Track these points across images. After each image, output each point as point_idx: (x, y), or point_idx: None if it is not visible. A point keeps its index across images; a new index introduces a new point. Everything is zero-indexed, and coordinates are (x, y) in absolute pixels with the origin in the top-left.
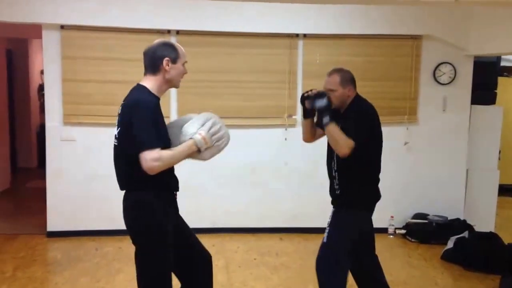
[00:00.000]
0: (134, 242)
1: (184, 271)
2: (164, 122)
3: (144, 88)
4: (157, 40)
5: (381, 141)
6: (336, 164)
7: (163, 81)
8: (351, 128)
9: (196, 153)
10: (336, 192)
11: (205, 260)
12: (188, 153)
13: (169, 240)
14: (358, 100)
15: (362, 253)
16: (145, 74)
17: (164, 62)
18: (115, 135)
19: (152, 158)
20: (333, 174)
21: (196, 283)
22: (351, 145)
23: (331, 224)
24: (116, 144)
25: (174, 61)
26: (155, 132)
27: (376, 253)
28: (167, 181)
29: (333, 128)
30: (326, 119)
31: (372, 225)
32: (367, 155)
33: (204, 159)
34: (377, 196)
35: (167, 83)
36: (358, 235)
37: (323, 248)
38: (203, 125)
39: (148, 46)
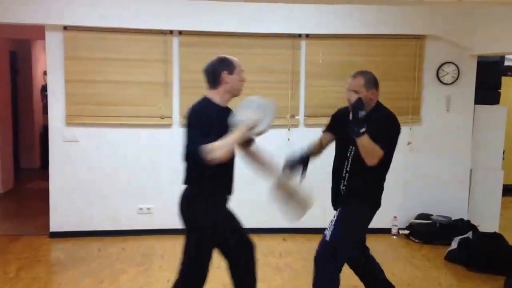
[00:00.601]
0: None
1: (232, 259)
2: (223, 124)
3: (206, 98)
4: (214, 57)
5: (394, 150)
6: (350, 166)
7: (225, 91)
8: (380, 135)
9: (249, 132)
10: (342, 193)
11: (250, 249)
12: (238, 136)
13: (209, 234)
14: (381, 106)
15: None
16: (208, 88)
17: (223, 75)
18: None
19: (206, 151)
20: (343, 175)
21: (241, 270)
22: (381, 155)
23: (336, 221)
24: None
25: (231, 72)
26: (207, 132)
27: (379, 253)
28: (221, 182)
29: (367, 139)
30: (362, 130)
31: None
32: (384, 160)
33: (260, 133)
34: (379, 202)
35: (229, 93)
36: (364, 229)
37: (326, 246)
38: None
39: (206, 64)
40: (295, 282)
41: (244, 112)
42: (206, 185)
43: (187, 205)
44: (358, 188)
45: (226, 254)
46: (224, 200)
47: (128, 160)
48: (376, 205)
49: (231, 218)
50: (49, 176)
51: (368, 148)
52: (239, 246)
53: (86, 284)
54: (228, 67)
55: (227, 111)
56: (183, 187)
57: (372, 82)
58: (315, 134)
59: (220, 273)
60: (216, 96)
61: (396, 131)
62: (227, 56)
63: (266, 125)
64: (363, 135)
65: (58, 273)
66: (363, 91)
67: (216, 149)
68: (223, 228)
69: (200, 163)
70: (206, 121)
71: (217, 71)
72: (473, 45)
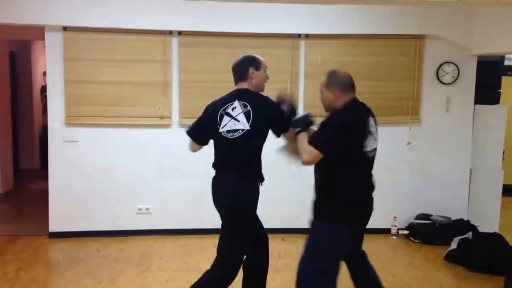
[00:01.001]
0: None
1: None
2: None
3: (247, 89)
4: (242, 55)
5: (363, 153)
6: (320, 173)
7: (253, 85)
8: (318, 137)
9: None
10: (314, 201)
11: (265, 242)
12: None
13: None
14: (345, 109)
15: (350, 259)
16: (237, 82)
17: (250, 71)
18: (240, 129)
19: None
20: (318, 184)
21: (254, 262)
22: (312, 153)
23: (309, 238)
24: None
25: (258, 69)
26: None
27: (379, 253)
28: (261, 170)
29: (302, 137)
30: (298, 129)
31: (349, 237)
32: (345, 165)
33: None
34: (357, 208)
35: (256, 86)
36: (338, 249)
37: (302, 263)
38: None
39: (235, 61)
40: (294, 283)
41: None
42: (256, 174)
43: (240, 193)
44: (326, 200)
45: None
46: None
47: (127, 160)
48: (345, 218)
49: None
50: (49, 176)
51: (299, 145)
52: (257, 238)
53: (85, 284)
54: (255, 64)
55: None
56: (232, 175)
57: (334, 81)
58: None
59: None
60: (249, 87)
61: (343, 133)
62: (255, 55)
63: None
64: (297, 133)
65: (57, 273)
66: (324, 91)
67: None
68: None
69: (259, 153)
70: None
71: (245, 67)
72: (473, 45)
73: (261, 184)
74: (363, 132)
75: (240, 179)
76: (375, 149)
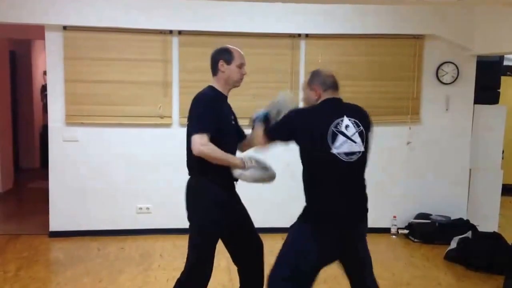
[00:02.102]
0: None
1: (238, 256)
2: (223, 115)
3: (209, 86)
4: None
5: (328, 154)
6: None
7: (223, 80)
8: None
9: (242, 169)
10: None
11: (258, 248)
12: (231, 163)
13: (214, 224)
14: (313, 106)
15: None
16: (213, 78)
17: (219, 64)
18: (356, 152)
19: (201, 143)
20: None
21: (249, 269)
22: (259, 138)
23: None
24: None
25: (228, 62)
26: (206, 119)
27: (379, 253)
28: (223, 169)
29: (257, 126)
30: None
31: (317, 241)
32: (302, 161)
33: (246, 179)
34: (322, 209)
35: (226, 82)
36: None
37: (274, 265)
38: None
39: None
40: None
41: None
42: (204, 175)
43: (187, 195)
44: (305, 198)
45: (232, 251)
46: (224, 192)
47: (127, 159)
48: (311, 218)
49: (236, 213)
50: (49, 175)
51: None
52: (246, 244)
53: (85, 283)
54: (226, 57)
55: (223, 99)
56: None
57: (312, 79)
58: None
59: (218, 273)
60: (217, 84)
61: (291, 123)
62: (230, 47)
63: (250, 175)
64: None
65: (57, 272)
66: (306, 91)
67: (210, 149)
68: (222, 221)
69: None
70: (202, 108)
71: (215, 59)
72: (473, 45)
73: (222, 187)
74: (318, 130)
75: (188, 180)
76: (360, 153)
